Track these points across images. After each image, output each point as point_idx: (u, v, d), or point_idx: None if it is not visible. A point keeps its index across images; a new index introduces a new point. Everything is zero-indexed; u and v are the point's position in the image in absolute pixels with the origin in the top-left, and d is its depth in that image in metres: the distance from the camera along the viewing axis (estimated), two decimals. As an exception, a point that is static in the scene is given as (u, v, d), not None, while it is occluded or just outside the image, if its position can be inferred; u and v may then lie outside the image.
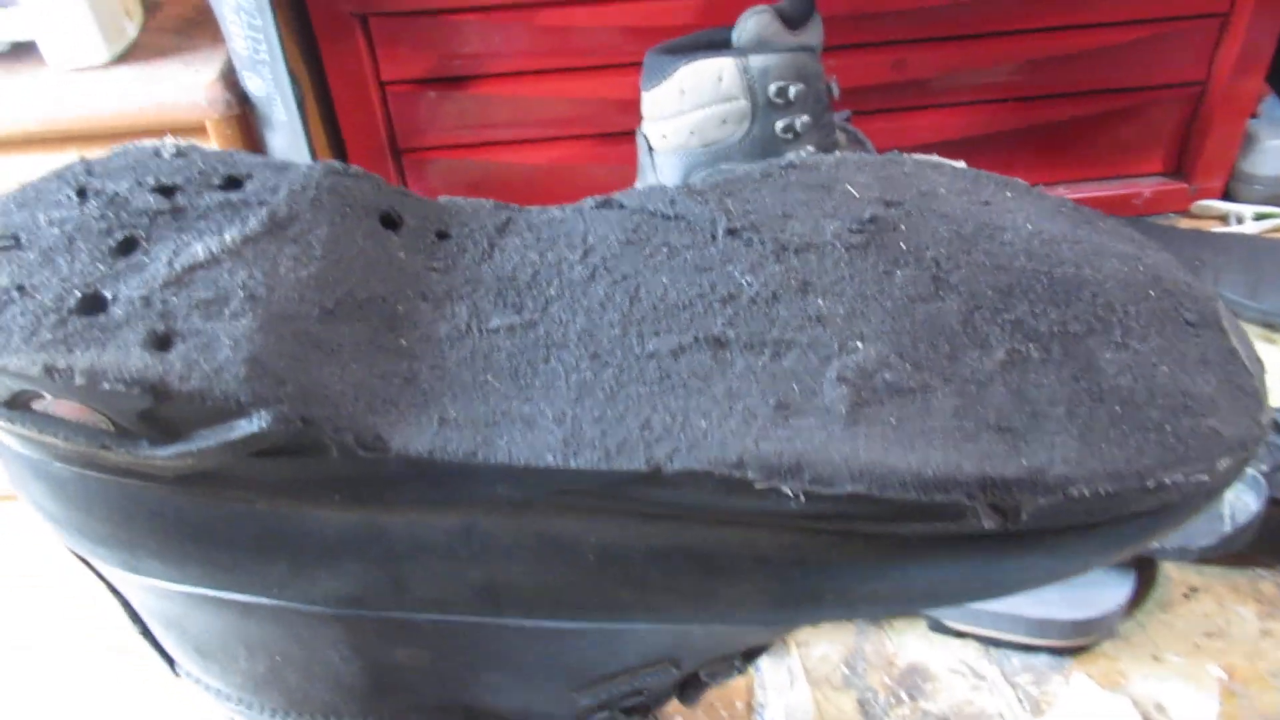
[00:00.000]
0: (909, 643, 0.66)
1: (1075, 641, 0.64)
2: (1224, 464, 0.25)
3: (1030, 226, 0.30)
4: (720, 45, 0.71)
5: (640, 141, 0.77)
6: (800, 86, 0.70)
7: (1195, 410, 0.26)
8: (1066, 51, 0.86)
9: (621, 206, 0.30)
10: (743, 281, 0.27)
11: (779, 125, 0.72)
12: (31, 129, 0.77)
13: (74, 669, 0.66)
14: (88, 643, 0.67)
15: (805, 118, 0.71)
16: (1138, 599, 0.66)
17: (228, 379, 0.24)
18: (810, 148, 0.72)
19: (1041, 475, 0.24)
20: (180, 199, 0.28)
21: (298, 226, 0.28)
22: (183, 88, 0.76)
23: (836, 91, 0.74)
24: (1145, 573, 0.68)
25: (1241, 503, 0.63)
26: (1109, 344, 0.27)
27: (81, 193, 0.29)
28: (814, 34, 0.72)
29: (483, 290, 0.28)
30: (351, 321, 0.27)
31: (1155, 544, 0.61)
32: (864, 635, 0.66)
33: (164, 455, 0.25)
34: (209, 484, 0.26)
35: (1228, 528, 0.62)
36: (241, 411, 0.24)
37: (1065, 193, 0.94)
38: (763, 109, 0.71)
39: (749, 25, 0.70)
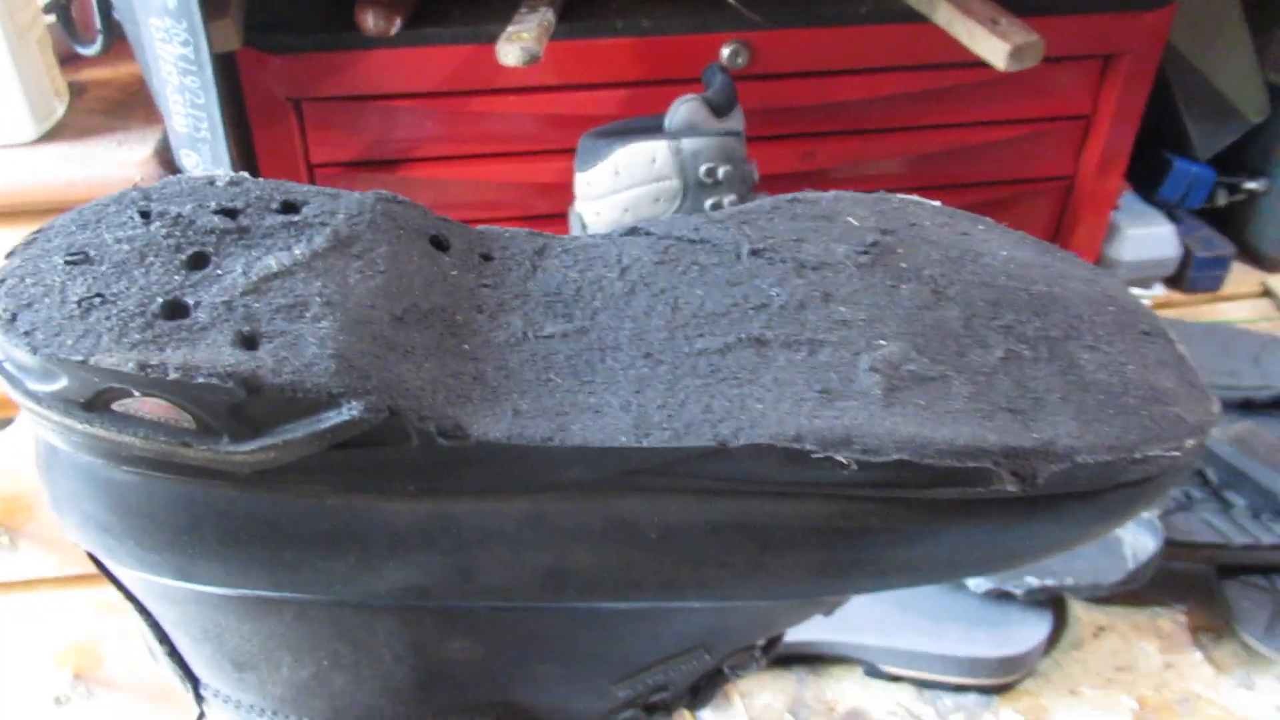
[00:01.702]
0: (848, 689, 0.68)
1: (1000, 679, 0.68)
2: (1189, 443, 0.30)
3: (1005, 253, 0.34)
4: (650, 131, 0.76)
5: (573, 220, 0.81)
6: (728, 168, 0.76)
7: (1163, 400, 0.30)
8: (954, 146, 0.95)
9: (649, 233, 0.33)
10: (771, 293, 0.31)
11: (708, 204, 0.77)
12: (-48, 203, 0.76)
13: None
14: None
15: (732, 196, 0.77)
16: (1053, 639, 0.71)
17: (318, 372, 0.26)
18: (736, 225, 0.77)
19: (1052, 446, 0.27)
20: (243, 220, 0.30)
21: (360, 245, 0.30)
22: (116, 165, 0.76)
23: (756, 175, 0.80)
24: (1058, 614, 0.72)
25: (1141, 543, 0.69)
26: (1084, 347, 0.31)
27: (145, 214, 0.30)
28: (737, 121, 0.78)
29: (532, 303, 0.31)
30: (419, 328, 0.29)
31: (1073, 581, 0.66)
32: (805, 684, 0.69)
33: (246, 450, 0.26)
34: (281, 480, 0.28)
35: (1131, 564, 0.68)
36: (331, 403, 0.26)
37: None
38: (693, 188, 0.76)
39: (680, 112, 0.75)
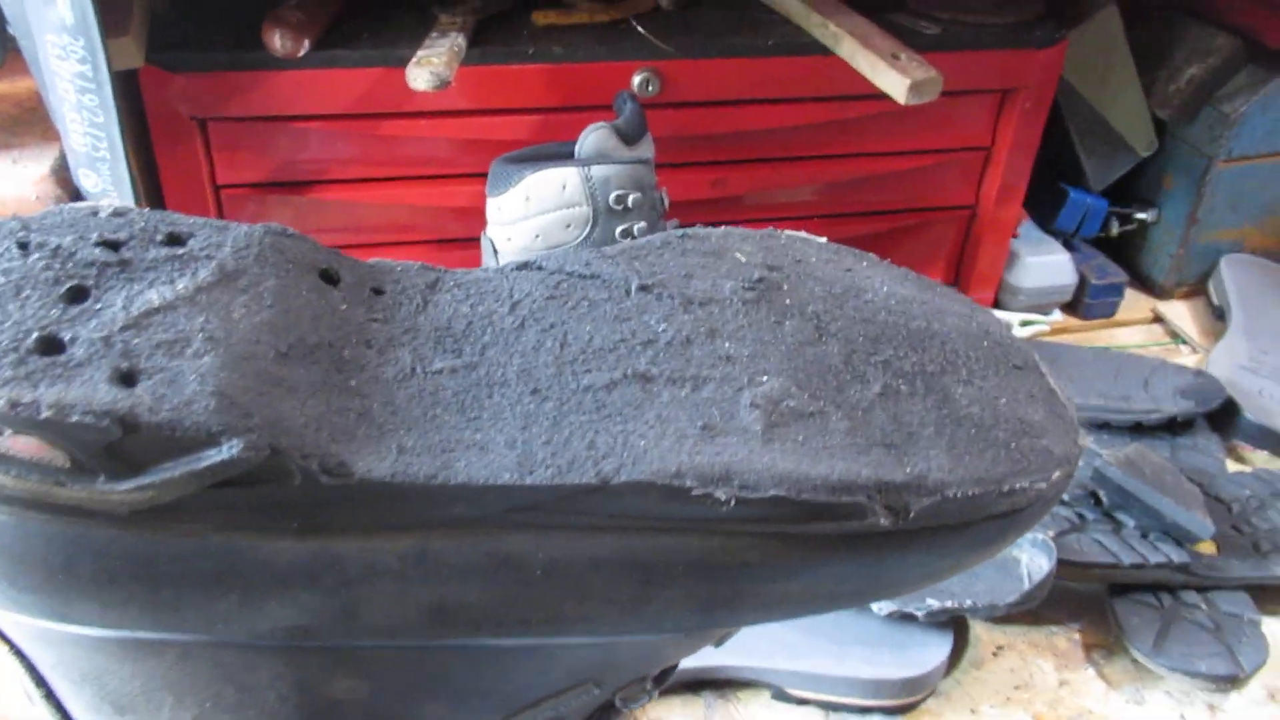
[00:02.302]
0: (756, 712, 0.69)
1: (904, 700, 0.69)
2: (1056, 475, 0.31)
3: (886, 289, 0.35)
4: (561, 157, 0.77)
5: (485, 245, 0.81)
6: (638, 195, 0.77)
7: (1031, 433, 0.32)
8: (860, 175, 0.97)
9: (540, 268, 0.34)
10: (658, 329, 0.31)
11: (618, 230, 0.77)
12: None
13: None
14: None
15: (642, 223, 0.78)
16: (954, 659, 0.72)
17: (197, 410, 0.26)
18: (646, 252, 0.78)
19: (923, 480, 0.28)
20: (126, 252, 0.30)
21: (246, 278, 0.30)
22: (10, 182, 0.75)
23: (667, 203, 0.81)
24: (959, 635, 0.74)
25: (1036, 564, 0.71)
26: (959, 381, 0.32)
27: (23, 245, 0.29)
28: (647, 149, 0.79)
29: (422, 338, 0.31)
30: (305, 364, 0.29)
31: (971, 602, 0.68)
32: (712, 708, 0.69)
33: (123, 489, 0.26)
34: (160, 519, 0.27)
35: (1026, 585, 0.70)
36: (211, 441, 0.26)
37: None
38: (603, 215, 0.77)
39: (590, 139, 0.75)
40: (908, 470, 0.29)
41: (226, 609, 0.28)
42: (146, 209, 0.32)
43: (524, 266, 0.34)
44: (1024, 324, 1.09)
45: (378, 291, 0.32)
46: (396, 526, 0.28)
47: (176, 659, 0.29)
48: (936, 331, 0.34)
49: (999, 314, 1.10)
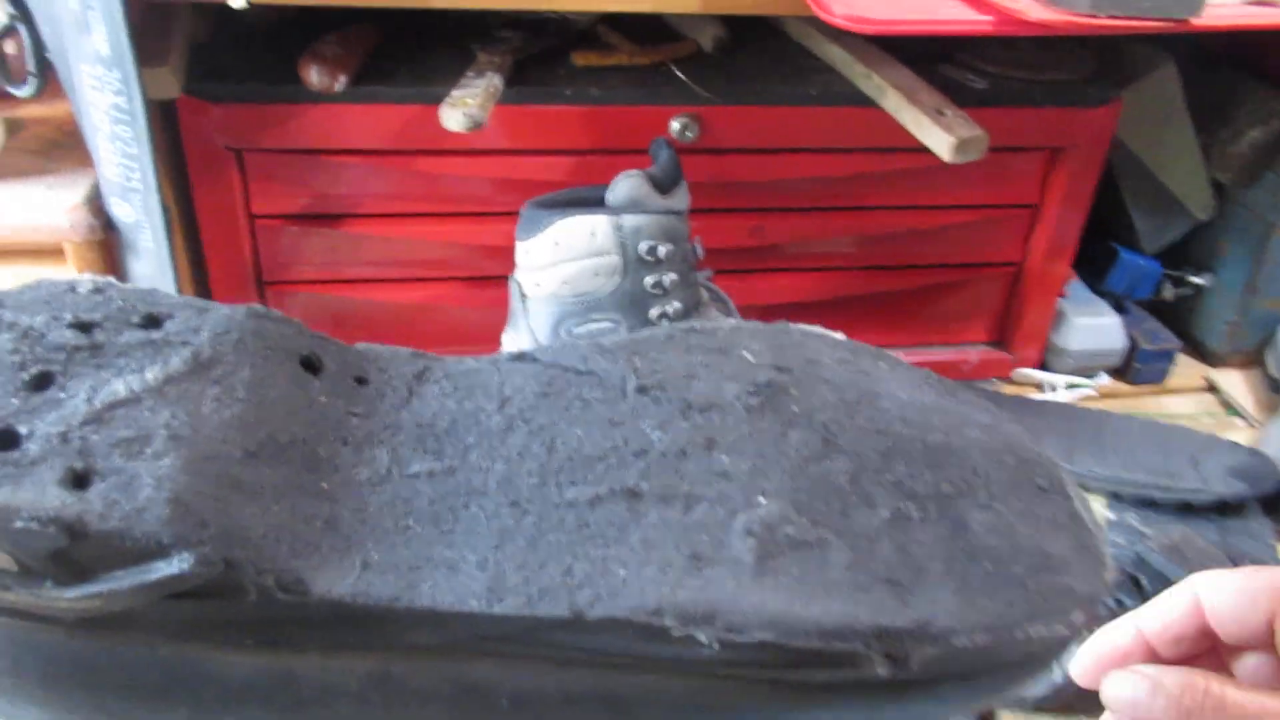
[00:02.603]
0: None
1: (921, 788, 0.66)
2: (1078, 617, 0.29)
3: (904, 395, 0.33)
4: (593, 202, 0.75)
5: (513, 288, 0.80)
6: (669, 246, 0.75)
7: (1052, 567, 0.29)
8: (904, 229, 0.95)
9: (535, 360, 0.32)
10: (653, 437, 0.29)
11: (648, 281, 0.76)
12: None
13: None
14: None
15: (673, 275, 0.76)
16: (977, 746, 0.69)
17: (149, 519, 0.24)
18: (677, 303, 0.76)
19: (928, 626, 0.26)
20: (99, 335, 0.29)
21: (221, 368, 0.28)
22: (44, 209, 0.75)
23: (701, 252, 0.79)
24: (984, 721, 0.71)
25: (1069, 654, 0.68)
26: (976, 505, 0.30)
27: (-7, 324, 0.28)
28: (681, 199, 0.77)
29: (402, 436, 0.29)
30: (274, 464, 0.27)
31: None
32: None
33: (70, 597, 0.25)
34: (110, 628, 0.26)
35: (1059, 679, 0.66)
36: (162, 552, 0.24)
37: (903, 356, 1.01)
38: (633, 265, 0.75)
39: (622, 187, 0.74)
40: (911, 614, 0.26)
41: (176, 723, 0.27)
42: (129, 286, 0.31)
43: (519, 358, 0.32)
44: (1069, 386, 1.05)
45: (361, 381, 0.31)
46: (358, 647, 0.26)
47: (123, 768, 0.28)
48: (956, 447, 0.32)
49: (1042, 375, 1.07)
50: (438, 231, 0.90)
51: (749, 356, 0.32)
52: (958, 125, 0.75)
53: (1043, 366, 1.06)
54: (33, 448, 0.25)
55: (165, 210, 0.75)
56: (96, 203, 0.76)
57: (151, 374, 0.28)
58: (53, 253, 0.76)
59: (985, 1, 0.70)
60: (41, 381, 0.27)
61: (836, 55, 0.86)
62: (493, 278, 0.92)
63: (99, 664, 0.26)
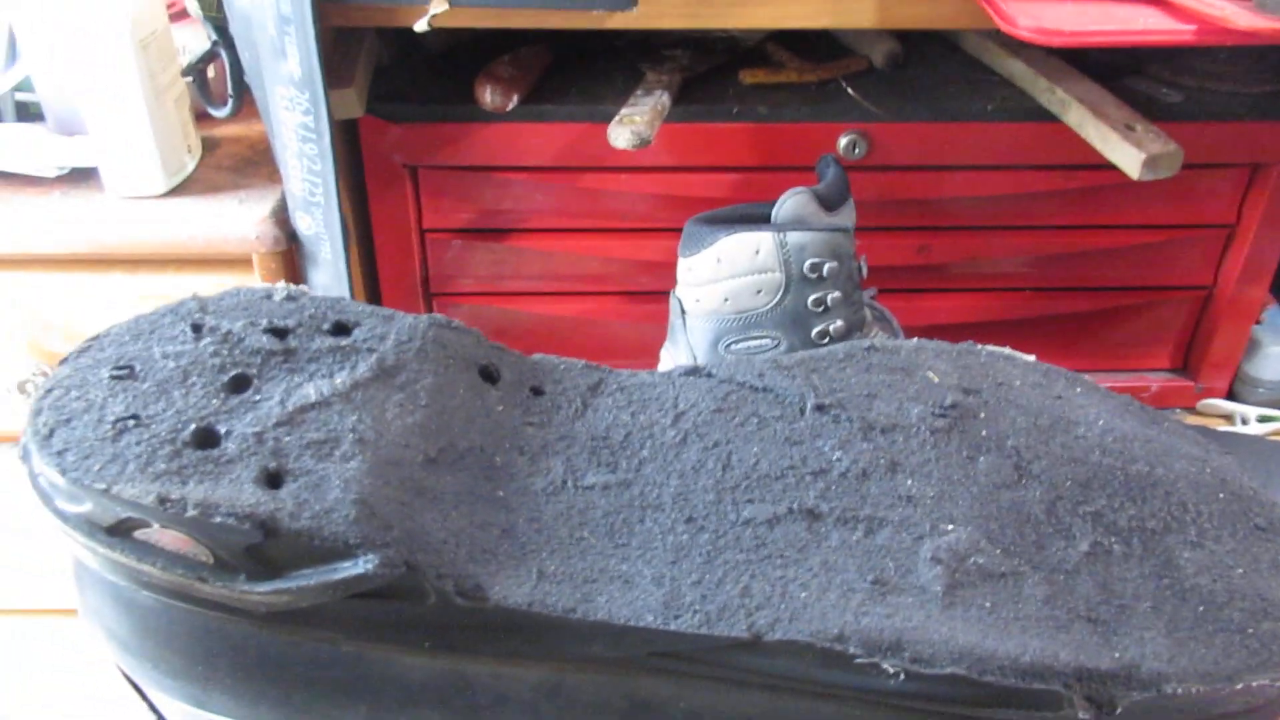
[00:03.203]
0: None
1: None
2: (1304, 671, 0.26)
3: (1102, 423, 0.31)
4: (756, 219, 0.75)
5: (674, 304, 0.80)
6: (834, 264, 0.73)
7: (1274, 615, 0.26)
8: (1081, 249, 0.90)
9: (710, 375, 0.31)
10: (833, 457, 0.28)
11: (810, 299, 0.74)
12: (82, 251, 0.79)
13: None
14: None
15: (836, 293, 0.74)
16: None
17: (337, 520, 0.25)
18: (840, 321, 0.75)
19: (1135, 670, 0.24)
20: (292, 341, 0.30)
21: (404, 375, 0.29)
22: (235, 221, 0.79)
23: (865, 270, 0.77)
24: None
25: None
26: (1186, 543, 0.28)
27: (196, 329, 0.30)
28: (847, 216, 0.75)
29: (577, 447, 0.29)
30: (453, 470, 0.27)
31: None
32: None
33: (261, 591, 0.25)
34: (297, 623, 0.27)
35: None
36: (348, 553, 0.25)
37: (1077, 382, 0.96)
38: (796, 282, 0.74)
39: (788, 204, 0.73)
40: (1116, 655, 0.24)
41: (355, 719, 0.27)
42: (319, 295, 0.32)
43: (692, 372, 0.32)
44: (1262, 419, 0.98)
45: (537, 391, 0.31)
46: (531, 656, 0.26)
47: (305, 760, 0.29)
48: (1161, 479, 0.29)
49: (1232, 405, 0.99)
50: (599, 246, 0.91)
51: (933, 377, 0.31)
52: (1149, 140, 0.71)
53: (1232, 397, 0.99)
54: (231, 447, 0.26)
55: (344, 223, 0.78)
56: (282, 216, 0.80)
57: (340, 379, 0.28)
58: (242, 262, 0.81)
59: (1184, 9, 0.66)
60: (239, 384, 0.28)
61: (1017, 69, 0.82)
62: (651, 293, 0.92)
63: (285, 657, 0.27)
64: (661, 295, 0.85)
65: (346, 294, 0.81)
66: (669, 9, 0.77)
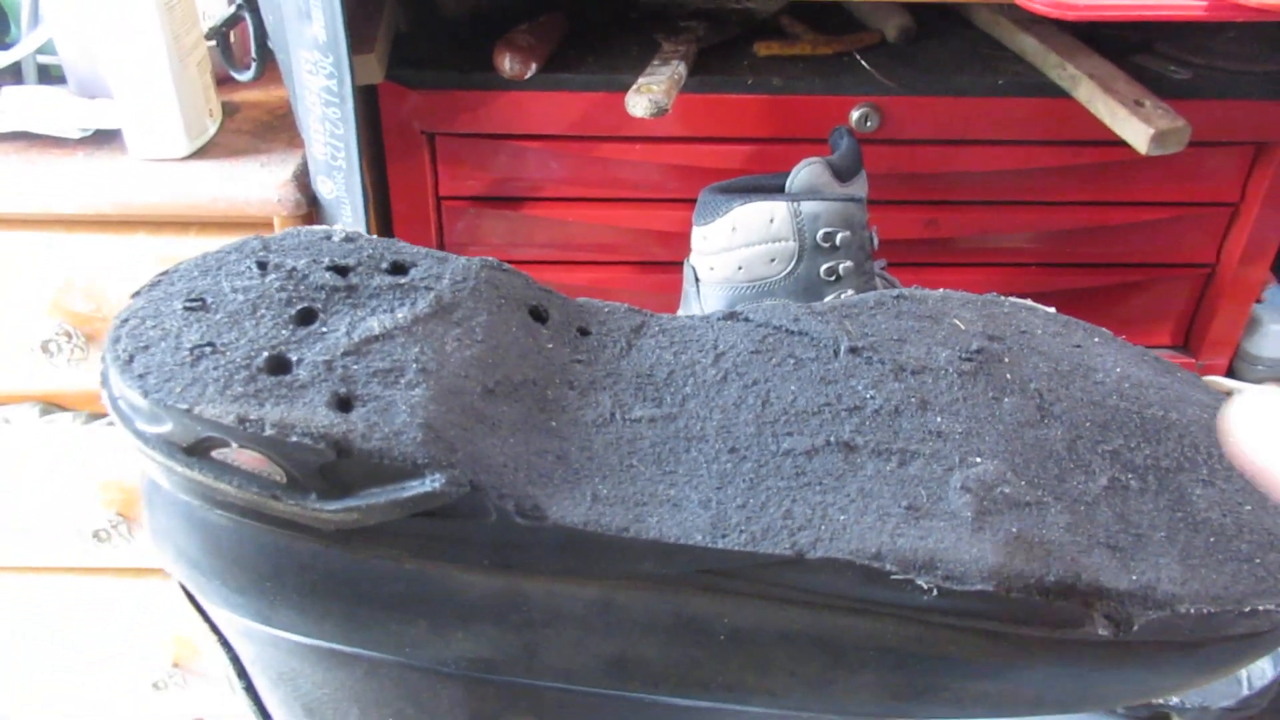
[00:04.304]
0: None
1: (1093, 795, 0.64)
2: (1306, 599, 0.28)
3: (1119, 370, 0.32)
4: (770, 189, 0.76)
5: (687, 272, 0.81)
6: (846, 233, 0.75)
7: (1279, 547, 0.28)
8: (1087, 225, 0.91)
9: (747, 320, 0.33)
10: (866, 395, 0.30)
11: (823, 268, 0.76)
12: (106, 212, 0.80)
13: None
14: None
15: (848, 263, 0.76)
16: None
17: (405, 441, 0.26)
18: (850, 290, 0.76)
19: (1151, 591, 0.26)
20: (353, 278, 0.31)
21: (461, 312, 0.30)
22: (256, 185, 0.80)
23: (876, 241, 0.78)
24: (1160, 732, 0.68)
25: (1258, 668, 0.65)
26: (1198, 480, 0.29)
27: (262, 265, 0.31)
28: (860, 187, 0.77)
29: (623, 384, 0.31)
30: (509, 401, 0.29)
31: (1179, 701, 0.63)
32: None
33: (331, 509, 0.27)
34: (362, 540, 0.28)
35: (1245, 690, 0.63)
36: (415, 472, 0.26)
37: (1079, 356, 0.98)
38: (809, 251, 0.75)
39: (802, 174, 0.74)
40: (1133, 577, 0.26)
41: (415, 634, 0.29)
42: (374, 236, 0.33)
43: (730, 317, 0.33)
44: (1261, 396, 0.99)
45: (583, 332, 0.32)
46: (584, 574, 0.27)
47: (365, 673, 0.30)
48: (1174, 422, 0.31)
49: (1231, 382, 1.01)
50: (612, 216, 0.92)
51: (959, 324, 0.32)
52: (1157, 117, 0.72)
53: (1231, 373, 1.01)
54: (302, 373, 0.28)
55: (364, 186, 0.79)
56: (303, 179, 0.81)
57: (401, 314, 0.30)
58: (263, 224, 0.82)
59: (1196, -15, 0.68)
60: (306, 317, 0.29)
61: (1028, 45, 0.84)
62: (663, 263, 0.94)
63: (350, 574, 0.29)
64: (673, 265, 0.86)
65: (366, 257, 0.82)
66: (688, -20, 0.78)
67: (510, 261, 0.91)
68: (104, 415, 0.95)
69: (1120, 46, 0.83)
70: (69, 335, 0.85)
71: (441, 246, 0.94)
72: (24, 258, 0.83)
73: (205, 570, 0.30)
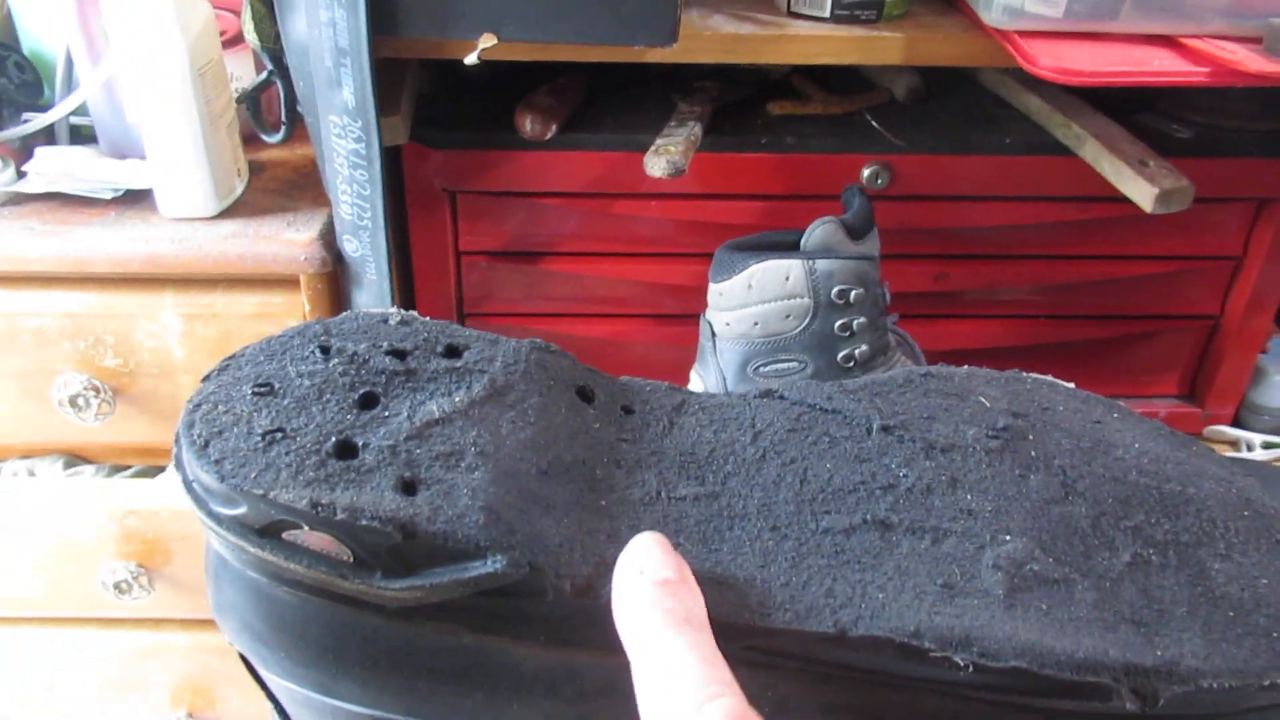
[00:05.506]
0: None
1: None
2: (1323, 670, 0.29)
3: (1138, 445, 0.34)
4: (785, 246, 0.78)
5: (704, 327, 0.83)
6: (860, 290, 0.77)
7: (1296, 620, 0.30)
8: (1093, 278, 0.93)
9: (783, 398, 0.34)
10: (899, 473, 0.31)
11: (837, 324, 0.78)
12: (136, 270, 0.82)
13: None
14: None
15: (862, 319, 0.77)
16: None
17: (469, 524, 0.28)
18: (864, 346, 0.78)
19: (1175, 666, 0.27)
20: (411, 362, 0.33)
21: (514, 394, 0.32)
22: (284, 243, 0.82)
23: (888, 297, 0.80)
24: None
25: None
26: (1216, 555, 0.31)
27: (324, 350, 0.33)
28: (872, 244, 0.79)
29: (667, 462, 0.32)
30: (562, 482, 0.31)
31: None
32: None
33: (396, 588, 0.29)
34: (423, 617, 0.30)
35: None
36: (478, 554, 0.28)
37: (1088, 406, 0.99)
38: (824, 308, 0.77)
39: (817, 233, 0.76)
40: (1158, 653, 0.28)
41: (472, 705, 0.30)
42: (428, 319, 0.35)
43: (766, 395, 0.35)
44: (1266, 446, 1.01)
45: (627, 410, 0.34)
46: (635, 649, 0.29)
47: (422, 743, 0.32)
48: (1192, 497, 0.33)
49: (1237, 432, 1.03)
50: (628, 270, 0.94)
51: (985, 401, 0.34)
52: (1161, 176, 0.74)
53: (1237, 424, 1.03)
54: (368, 458, 0.29)
55: (388, 245, 0.82)
56: (329, 237, 0.83)
57: (459, 397, 0.31)
58: (289, 282, 0.84)
59: (1198, 51, 0.70)
60: (368, 401, 0.31)
61: (1033, 105, 0.86)
62: (679, 316, 0.96)
63: (411, 648, 0.30)
64: (689, 318, 0.88)
65: (389, 313, 0.84)
66: (705, 45, 0.80)
67: (529, 315, 0.93)
68: (127, 467, 0.97)
69: (1123, 105, 0.85)
70: (97, 390, 0.87)
71: (461, 300, 0.96)
72: (56, 314, 0.85)
73: (269, 643, 0.31)
